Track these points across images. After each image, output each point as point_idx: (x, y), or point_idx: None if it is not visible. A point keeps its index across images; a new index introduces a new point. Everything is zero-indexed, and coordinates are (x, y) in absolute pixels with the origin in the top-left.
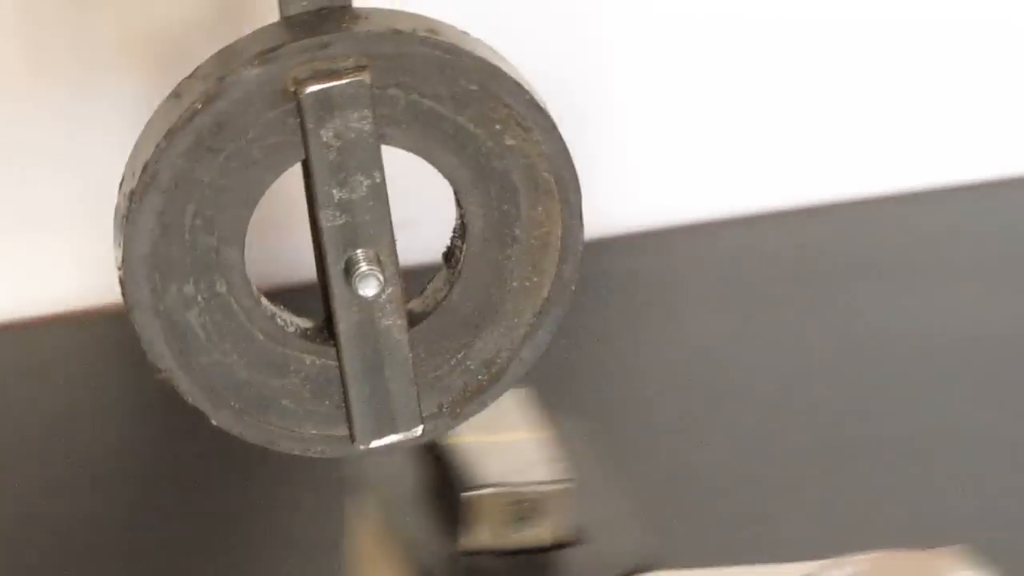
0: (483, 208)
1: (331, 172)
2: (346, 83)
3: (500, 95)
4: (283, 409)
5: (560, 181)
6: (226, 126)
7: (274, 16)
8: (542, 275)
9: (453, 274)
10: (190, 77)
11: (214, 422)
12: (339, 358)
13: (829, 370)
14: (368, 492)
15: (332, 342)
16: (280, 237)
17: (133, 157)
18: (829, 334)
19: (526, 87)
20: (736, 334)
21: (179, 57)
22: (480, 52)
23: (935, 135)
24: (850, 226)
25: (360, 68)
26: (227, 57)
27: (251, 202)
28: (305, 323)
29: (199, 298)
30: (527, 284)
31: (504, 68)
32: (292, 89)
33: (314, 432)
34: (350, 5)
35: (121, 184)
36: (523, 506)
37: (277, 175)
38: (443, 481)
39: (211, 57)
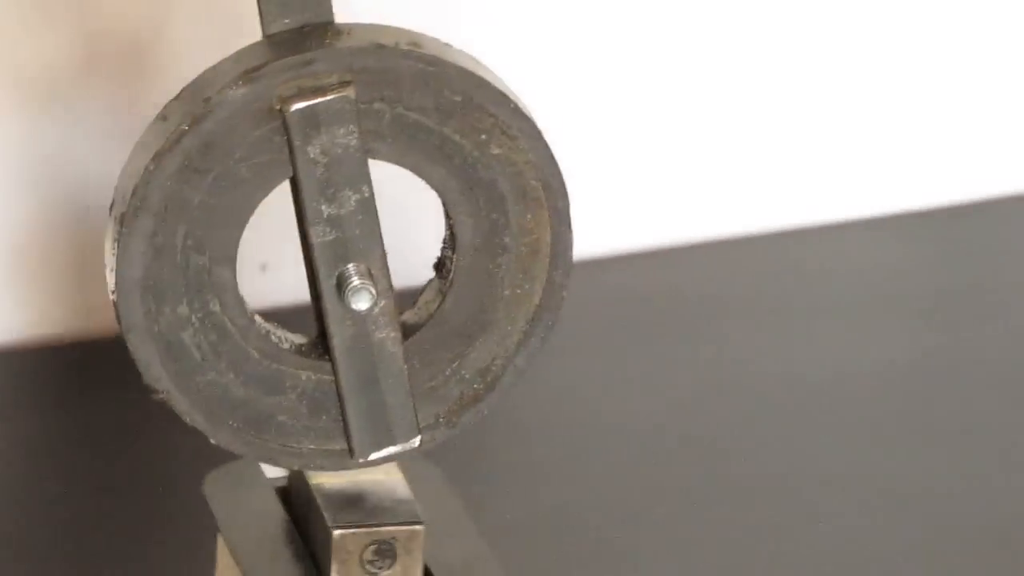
0: (472, 218)
1: (319, 188)
2: (331, 99)
3: (485, 105)
4: (281, 425)
5: (548, 188)
6: (213, 146)
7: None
8: (533, 282)
9: (445, 284)
10: (176, 99)
11: (213, 441)
12: (335, 373)
13: (700, 409)
14: (232, 532)
15: (327, 357)
16: None
17: (122, 180)
18: (701, 373)
19: (510, 96)
20: (608, 372)
21: (48, 96)
22: (463, 63)
23: (805, 175)
24: (722, 265)
25: (344, 84)
26: (212, 78)
27: (241, 221)
28: (299, 339)
29: (193, 318)
30: (519, 292)
31: (488, 78)
32: (278, 107)
33: (313, 447)
34: (332, 21)
35: (111, 208)
36: (381, 546)
37: (266, 193)
38: (304, 521)
39: (196, 78)
